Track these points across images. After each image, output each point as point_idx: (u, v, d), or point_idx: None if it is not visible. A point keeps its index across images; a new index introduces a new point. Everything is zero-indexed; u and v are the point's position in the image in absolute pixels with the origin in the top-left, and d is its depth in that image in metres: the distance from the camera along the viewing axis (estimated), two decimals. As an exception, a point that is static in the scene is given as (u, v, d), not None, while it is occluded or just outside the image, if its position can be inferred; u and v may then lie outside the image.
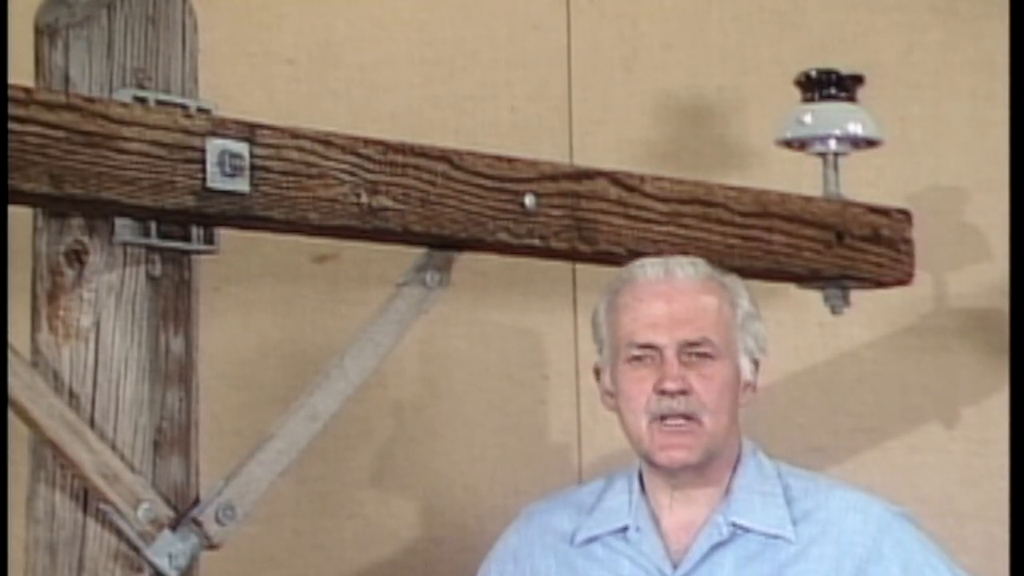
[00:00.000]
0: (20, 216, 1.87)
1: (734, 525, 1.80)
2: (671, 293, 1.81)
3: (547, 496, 1.93)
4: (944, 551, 1.84)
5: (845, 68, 2.39)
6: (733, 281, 1.87)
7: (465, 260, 2.03)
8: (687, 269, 1.84)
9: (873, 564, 1.78)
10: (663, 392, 1.78)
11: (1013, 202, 2.21)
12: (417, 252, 2.01)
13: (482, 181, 1.99)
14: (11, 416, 1.82)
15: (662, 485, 1.82)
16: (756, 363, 1.86)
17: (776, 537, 1.79)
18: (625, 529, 1.82)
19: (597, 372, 1.88)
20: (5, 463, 2.08)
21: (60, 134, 1.70)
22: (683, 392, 1.78)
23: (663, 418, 1.78)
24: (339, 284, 2.76)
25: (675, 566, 1.79)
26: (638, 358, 1.80)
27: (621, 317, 1.83)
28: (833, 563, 1.78)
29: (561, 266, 2.55)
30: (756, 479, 1.83)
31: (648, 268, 1.84)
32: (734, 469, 1.83)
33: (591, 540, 1.84)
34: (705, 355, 1.79)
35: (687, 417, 1.78)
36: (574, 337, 2.85)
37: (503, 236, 2.01)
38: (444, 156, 1.97)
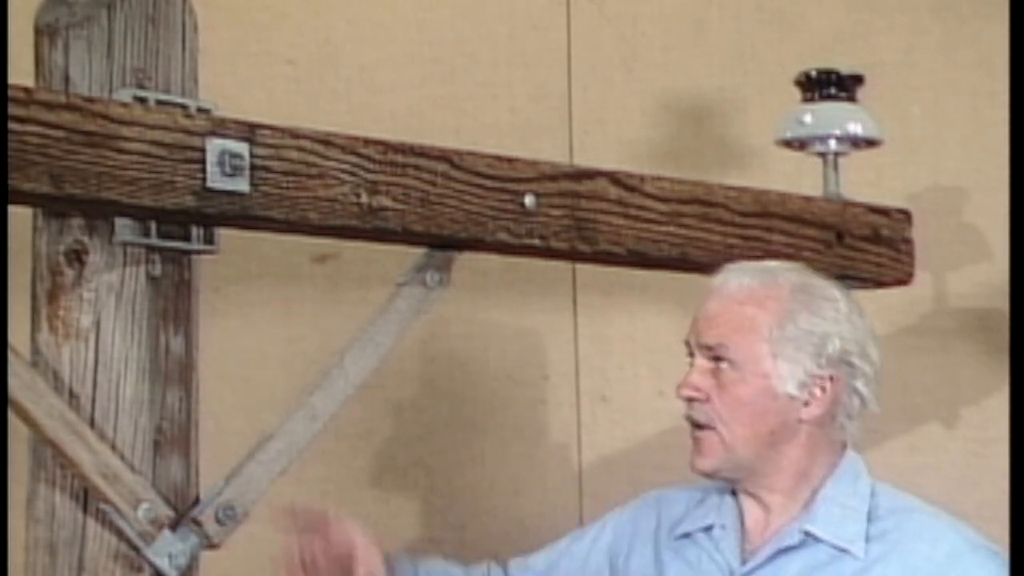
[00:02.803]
0: (20, 216, 1.87)
1: (806, 533, 1.79)
2: (716, 299, 1.83)
3: (673, 485, 1.94)
4: None
5: (845, 68, 2.39)
6: (813, 296, 1.81)
7: (465, 260, 2.03)
8: (743, 279, 1.82)
9: None
10: (679, 396, 1.81)
11: (1013, 202, 2.20)
12: (417, 252, 2.01)
13: (482, 181, 1.99)
14: (11, 416, 1.82)
15: (739, 488, 1.85)
16: (829, 378, 1.79)
17: (845, 551, 1.78)
18: (711, 527, 1.85)
19: None
20: (5, 463, 2.08)
21: (60, 134, 1.70)
22: (696, 399, 1.79)
23: (690, 424, 1.81)
24: (339, 284, 2.76)
25: (744, 563, 1.81)
26: (688, 355, 1.83)
27: None
28: None
29: (561, 266, 2.55)
30: (844, 492, 1.81)
31: (720, 274, 1.85)
32: (823, 482, 1.81)
33: (685, 535, 1.87)
34: (721, 359, 1.79)
35: (705, 425, 1.79)
36: (574, 337, 2.85)
37: (503, 236, 2.01)
38: (444, 156, 1.97)
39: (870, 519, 1.80)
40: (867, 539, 1.78)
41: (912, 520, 1.81)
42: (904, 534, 1.79)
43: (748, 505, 1.84)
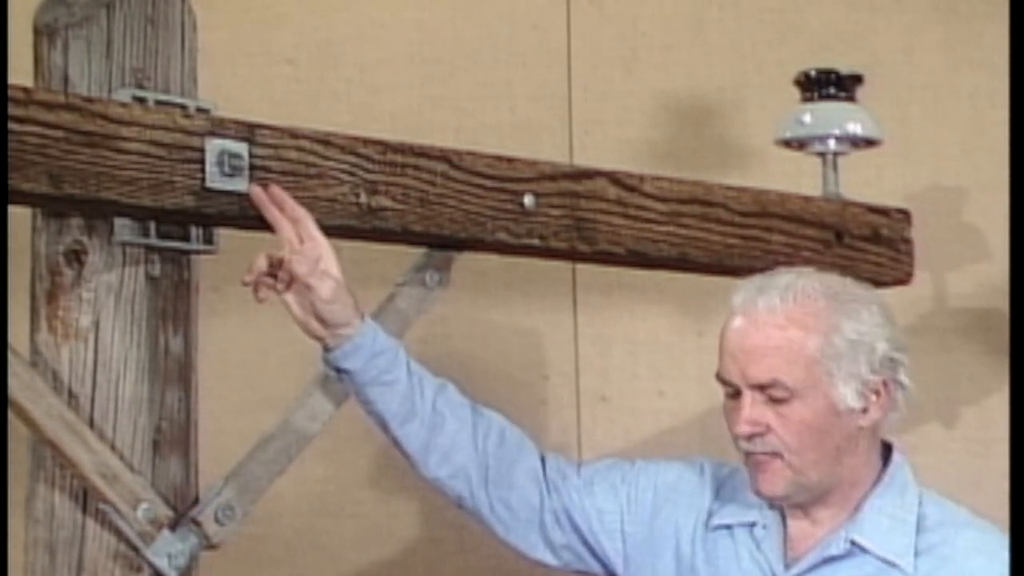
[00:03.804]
0: (19, 216, 1.87)
1: (853, 543, 1.75)
2: (748, 328, 1.74)
3: (723, 464, 1.89)
4: None
5: (845, 68, 2.39)
6: (844, 301, 1.76)
7: (465, 260, 2.03)
8: (773, 299, 1.74)
9: None
10: (737, 435, 1.75)
11: (1013, 202, 2.20)
12: (417, 252, 2.01)
13: (482, 181, 1.99)
14: (11, 416, 1.82)
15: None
16: (882, 383, 1.76)
17: (893, 565, 1.74)
18: (754, 524, 1.81)
19: None
20: (5, 463, 2.07)
21: (59, 134, 1.70)
22: (758, 434, 1.73)
23: (750, 453, 1.76)
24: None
25: (787, 568, 1.78)
26: (728, 393, 1.76)
27: (718, 344, 1.78)
28: None
29: (561, 266, 2.55)
30: (892, 503, 1.77)
31: (742, 292, 1.77)
32: (871, 491, 1.78)
33: (724, 527, 1.83)
34: (779, 397, 1.73)
35: (772, 454, 1.74)
36: (574, 337, 2.85)
37: (502, 236, 2.01)
38: (444, 156, 1.97)
39: (918, 531, 1.76)
40: (916, 553, 1.74)
41: (963, 536, 1.76)
42: (956, 550, 1.74)
43: (794, 510, 1.80)
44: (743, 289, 1.79)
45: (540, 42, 2.88)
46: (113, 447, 1.84)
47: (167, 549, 1.85)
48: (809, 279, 1.80)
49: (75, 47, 1.87)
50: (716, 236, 2.20)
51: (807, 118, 2.37)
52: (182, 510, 1.88)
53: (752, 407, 1.73)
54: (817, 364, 1.73)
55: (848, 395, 1.75)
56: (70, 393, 1.85)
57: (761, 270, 2.27)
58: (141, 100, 1.84)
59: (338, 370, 1.84)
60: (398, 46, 2.85)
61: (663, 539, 1.87)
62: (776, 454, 1.74)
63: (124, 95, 1.84)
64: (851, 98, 2.38)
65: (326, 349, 1.84)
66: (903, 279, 2.42)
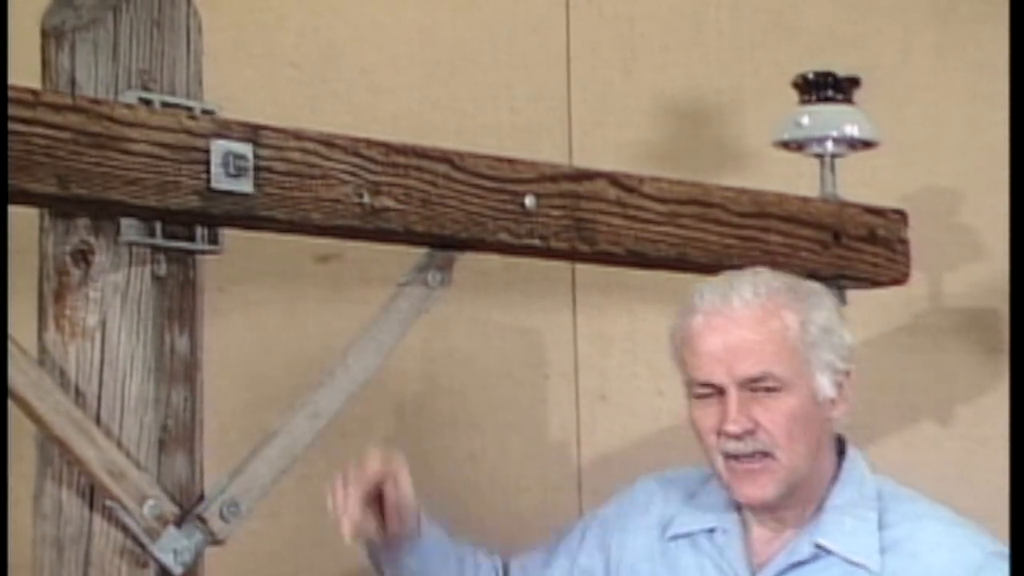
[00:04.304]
0: (27, 217, 1.87)
1: (818, 546, 1.72)
2: (727, 326, 1.71)
3: (664, 473, 1.87)
4: None
5: (842, 70, 2.39)
6: (806, 294, 1.76)
7: (466, 260, 2.03)
8: (745, 294, 1.72)
9: None
10: (727, 434, 1.70)
11: (1013, 202, 2.21)
12: (419, 252, 2.02)
13: (483, 182, 2.00)
14: (18, 414, 1.82)
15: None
16: (845, 374, 1.74)
17: (859, 565, 1.71)
18: (713, 530, 1.78)
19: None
20: (5, 463, 2.08)
21: (66, 135, 1.70)
22: (749, 432, 1.69)
23: (736, 456, 1.71)
24: (342, 284, 2.76)
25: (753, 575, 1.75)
26: (704, 395, 1.72)
27: (684, 351, 1.74)
28: None
29: (561, 266, 2.55)
30: (853, 500, 1.74)
31: (706, 296, 1.74)
32: (830, 488, 1.75)
33: (682, 536, 1.79)
34: (770, 388, 1.70)
35: (760, 454, 1.70)
36: (573, 337, 2.85)
37: (504, 236, 2.02)
38: (445, 157, 1.97)
39: (881, 526, 1.73)
40: (881, 551, 1.71)
41: (927, 530, 1.74)
42: (921, 545, 1.72)
43: (757, 513, 1.77)
44: (706, 292, 1.75)
45: (540, 44, 2.88)
46: (120, 444, 1.85)
47: (173, 545, 1.85)
48: (768, 275, 1.79)
49: (82, 50, 1.87)
50: (714, 236, 2.20)
51: (805, 120, 2.38)
52: (187, 507, 1.88)
53: (739, 405, 1.69)
54: (800, 353, 1.71)
55: (825, 385, 1.73)
56: (77, 391, 1.85)
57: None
58: (147, 102, 1.84)
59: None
60: (400, 48, 2.86)
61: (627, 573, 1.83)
62: (766, 454, 1.70)
63: (130, 97, 1.85)
64: (848, 100, 2.38)
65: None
66: (899, 279, 2.43)
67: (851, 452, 1.79)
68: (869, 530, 1.72)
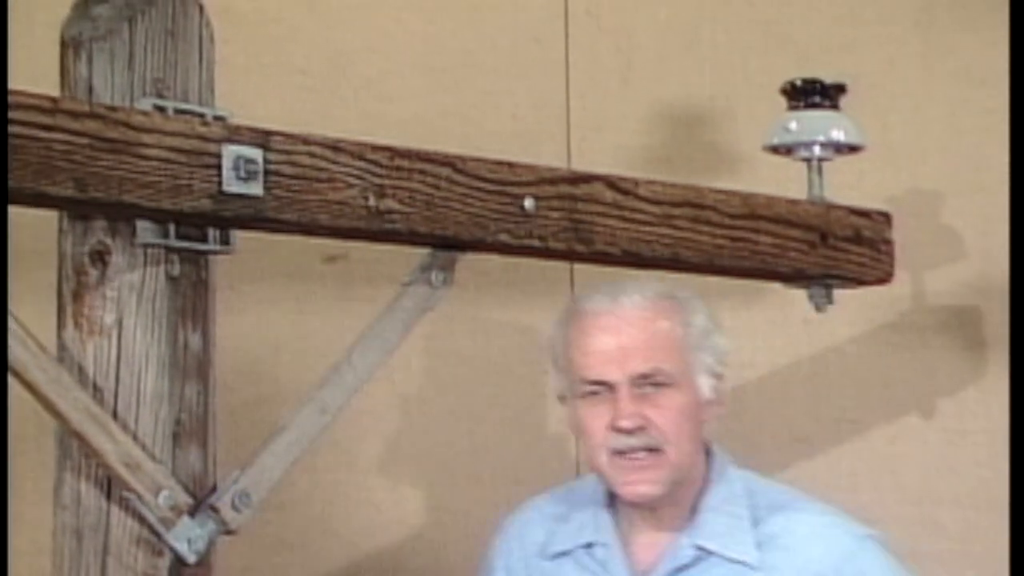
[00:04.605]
0: (46, 219, 1.88)
1: (699, 548, 1.71)
2: (618, 325, 1.70)
3: (523, 506, 1.85)
4: (912, 572, 1.74)
5: (829, 78, 2.39)
6: (688, 298, 1.76)
7: (468, 260, 2.03)
8: (633, 296, 1.73)
9: None
10: (619, 430, 1.68)
11: (1013, 203, 2.21)
12: (422, 252, 2.02)
13: (484, 185, 2.00)
14: (39, 408, 1.83)
15: (630, 507, 1.75)
16: (718, 378, 1.74)
17: (739, 562, 1.70)
18: (591, 545, 1.75)
19: (562, 399, 1.79)
20: (5, 463, 2.07)
21: (84, 141, 1.71)
22: (640, 428, 1.68)
23: (623, 453, 1.69)
24: (348, 283, 2.76)
25: None
26: (593, 393, 1.70)
27: (572, 351, 1.73)
28: None
29: (559, 266, 2.55)
30: (724, 499, 1.73)
31: (595, 299, 1.74)
32: (703, 489, 1.74)
33: (562, 554, 1.76)
34: (660, 384, 1.69)
35: (648, 450, 1.68)
36: (572, 333, 2.85)
37: (504, 237, 2.02)
38: (448, 161, 1.98)
39: (754, 523, 1.72)
40: (758, 546, 1.70)
41: (799, 521, 1.73)
42: (795, 538, 1.71)
43: (636, 521, 1.73)
44: (594, 297, 1.73)
45: (540, 54, 2.89)
46: (136, 438, 1.85)
47: (187, 534, 1.85)
48: (650, 281, 1.78)
49: (99, 59, 1.88)
50: (707, 237, 2.20)
51: (793, 125, 2.38)
52: (201, 497, 1.88)
53: (630, 403, 1.68)
54: (684, 353, 1.71)
55: (705, 386, 1.73)
56: (95, 387, 1.85)
57: (750, 270, 2.29)
58: (161, 109, 1.84)
59: None
60: (405, 57, 2.86)
61: None
62: (656, 450, 1.68)
63: (145, 104, 1.85)
64: (835, 106, 2.38)
65: None
66: (884, 278, 2.43)
67: (717, 452, 1.78)
68: (744, 528, 1.72)
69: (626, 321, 1.71)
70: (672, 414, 1.69)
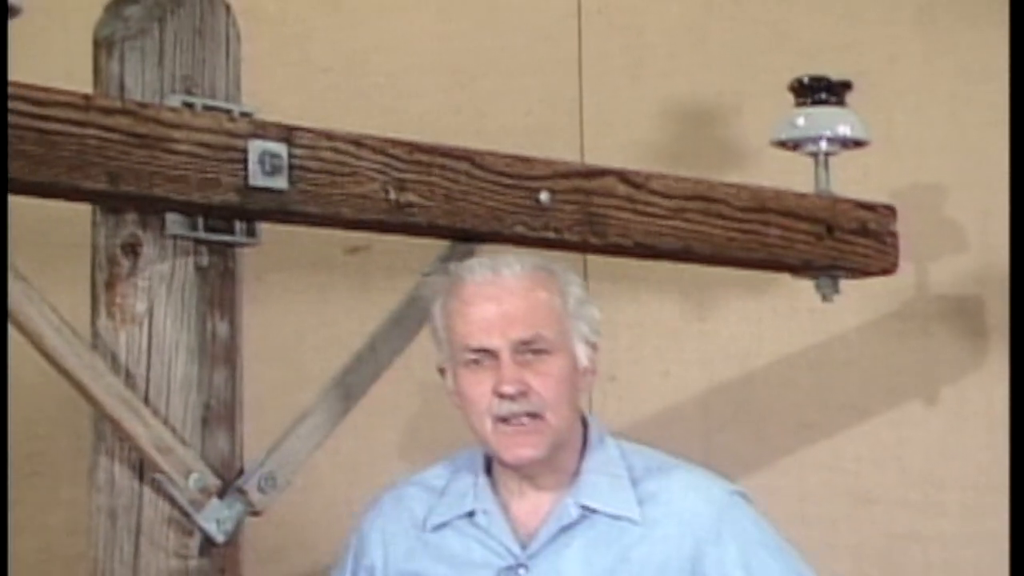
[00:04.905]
0: (81, 212, 1.88)
1: (583, 507, 1.71)
2: (500, 294, 1.70)
3: (396, 483, 1.82)
4: (774, 530, 1.75)
5: (835, 75, 2.39)
6: (562, 270, 1.77)
7: (485, 252, 2.03)
8: (513, 267, 1.72)
9: (711, 545, 1.70)
10: (502, 395, 1.68)
11: (1013, 197, 2.20)
12: (441, 244, 2.02)
13: (501, 179, 2.00)
14: (75, 394, 1.83)
15: (512, 474, 1.73)
16: (593, 347, 1.75)
17: (622, 518, 1.71)
18: (472, 513, 1.73)
19: (442, 371, 1.77)
20: (5, 462, 2.08)
21: (116, 136, 1.71)
22: (522, 393, 1.68)
23: (506, 419, 1.68)
24: (370, 273, 2.77)
25: (524, 548, 1.71)
26: (475, 361, 1.70)
27: (454, 322, 1.72)
28: (676, 542, 1.70)
29: (573, 257, 2.55)
30: (603, 462, 1.73)
31: (476, 270, 1.73)
32: (582, 453, 1.74)
33: (442, 525, 1.75)
34: (540, 351, 1.69)
35: (530, 415, 1.68)
36: (585, 322, 2.85)
37: (520, 229, 2.02)
38: (466, 156, 1.98)
39: (633, 482, 1.73)
40: (639, 503, 1.71)
41: (674, 478, 1.74)
42: (673, 493, 1.72)
43: (515, 488, 1.73)
44: (475, 268, 1.73)
45: (553, 52, 2.88)
46: (166, 422, 1.86)
47: (215, 515, 1.86)
48: (526, 255, 1.78)
49: (130, 57, 1.88)
50: (717, 230, 2.20)
51: (800, 121, 2.38)
52: (229, 480, 1.89)
53: (514, 369, 1.68)
54: (562, 321, 1.71)
55: (582, 354, 1.73)
56: (127, 373, 1.86)
57: (759, 261, 2.29)
58: (190, 105, 1.85)
59: None
60: (424, 56, 2.86)
61: None
62: (537, 415, 1.68)
63: (175, 101, 1.85)
64: (841, 103, 2.38)
65: None
66: (888, 269, 2.43)
67: (592, 420, 1.78)
68: (625, 486, 1.73)
69: (507, 291, 1.71)
70: (552, 380, 1.69)
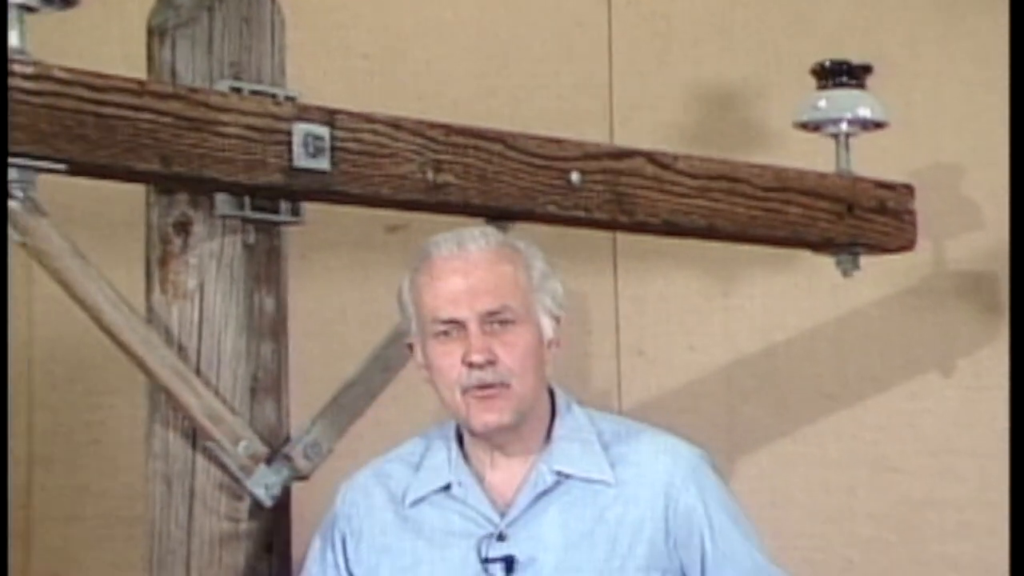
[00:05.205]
0: (135, 193, 1.91)
1: (558, 473, 1.71)
2: (466, 267, 1.70)
3: (371, 463, 1.81)
4: (733, 498, 1.76)
5: (855, 59, 2.38)
6: (526, 245, 1.77)
7: (518, 230, 2.04)
8: (479, 241, 1.72)
9: (682, 494, 1.71)
10: (471, 364, 1.68)
11: (1013, 177, 2.19)
12: (476, 223, 2.03)
13: (533, 159, 2.00)
14: (131, 366, 1.86)
15: (482, 445, 1.73)
16: (557, 320, 1.75)
17: (596, 481, 1.71)
18: (448, 486, 1.73)
19: (410, 347, 1.77)
20: (5, 463, 2.10)
21: (168, 120, 1.72)
22: (490, 362, 1.68)
23: (475, 388, 1.68)
24: (409, 251, 2.77)
25: (503, 516, 1.70)
26: (444, 333, 1.69)
27: (423, 295, 1.71)
28: (648, 503, 1.70)
29: (603, 235, 2.56)
30: (573, 428, 1.74)
31: (442, 245, 1.72)
32: (552, 420, 1.74)
33: (420, 500, 1.74)
34: (507, 321, 1.69)
35: (497, 384, 1.68)
36: (614, 298, 2.86)
37: (552, 208, 2.03)
38: (500, 138, 1.98)
39: (603, 447, 1.73)
40: (612, 466, 1.71)
41: (643, 441, 1.74)
42: (643, 456, 1.72)
43: (487, 460, 1.72)
44: (441, 243, 1.72)
45: (584, 37, 2.88)
46: (217, 393, 1.88)
47: (264, 480, 1.88)
48: (491, 230, 1.78)
49: (181, 44, 1.90)
50: (741, 208, 2.20)
51: (822, 103, 2.37)
52: (276, 447, 1.91)
53: (482, 339, 1.67)
54: (529, 293, 1.71)
55: (547, 326, 1.73)
56: (180, 346, 1.88)
57: (781, 238, 2.29)
58: (237, 90, 1.86)
59: None
60: (459, 42, 2.87)
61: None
62: (504, 384, 1.68)
63: (223, 86, 1.87)
64: (861, 85, 2.37)
65: None
66: (907, 246, 2.42)
67: (558, 390, 1.78)
68: (596, 451, 1.73)
69: (473, 264, 1.70)
70: (518, 350, 1.69)
